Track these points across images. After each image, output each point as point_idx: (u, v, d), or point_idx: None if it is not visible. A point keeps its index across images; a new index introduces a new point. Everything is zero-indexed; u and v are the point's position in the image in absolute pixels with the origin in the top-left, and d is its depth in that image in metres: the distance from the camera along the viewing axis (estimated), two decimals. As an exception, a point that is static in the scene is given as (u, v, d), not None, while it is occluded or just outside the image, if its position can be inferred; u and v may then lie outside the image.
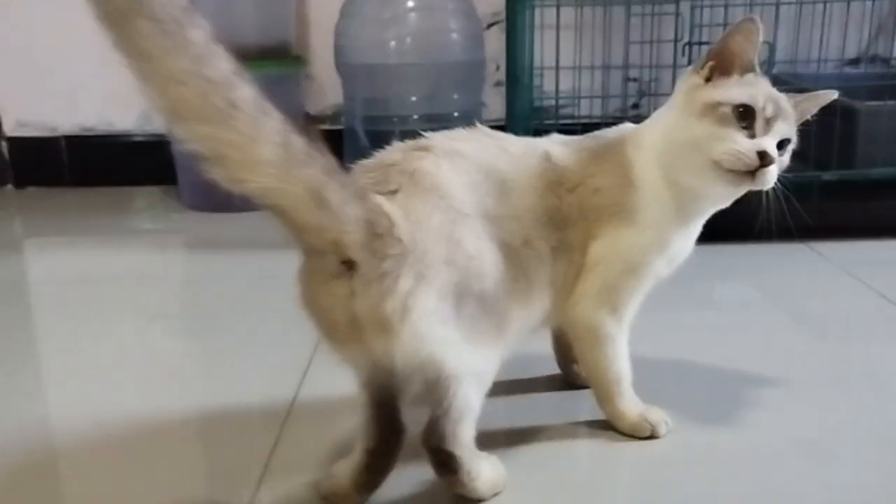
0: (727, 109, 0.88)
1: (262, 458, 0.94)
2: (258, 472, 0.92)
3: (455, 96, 2.09)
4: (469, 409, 0.80)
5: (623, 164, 0.94)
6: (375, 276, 0.72)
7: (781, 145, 0.90)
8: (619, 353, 0.96)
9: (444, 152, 0.85)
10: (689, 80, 0.93)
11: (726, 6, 1.75)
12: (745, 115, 0.89)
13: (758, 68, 0.92)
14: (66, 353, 1.27)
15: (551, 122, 1.88)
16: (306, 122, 2.29)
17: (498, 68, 2.21)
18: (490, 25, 2.18)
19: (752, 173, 0.87)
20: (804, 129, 0.95)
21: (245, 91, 0.65)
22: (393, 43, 2.01)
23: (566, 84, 2.02)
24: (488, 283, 0.80)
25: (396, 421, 0.84)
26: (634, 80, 2.20)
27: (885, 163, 1.69)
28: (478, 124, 0.95)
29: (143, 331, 1.36)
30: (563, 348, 1.11)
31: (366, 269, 0.72)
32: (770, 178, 0.88)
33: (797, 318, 1.38)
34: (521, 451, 0.96)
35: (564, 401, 1.09)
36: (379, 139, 0.94)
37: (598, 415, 1.01)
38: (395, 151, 0.86)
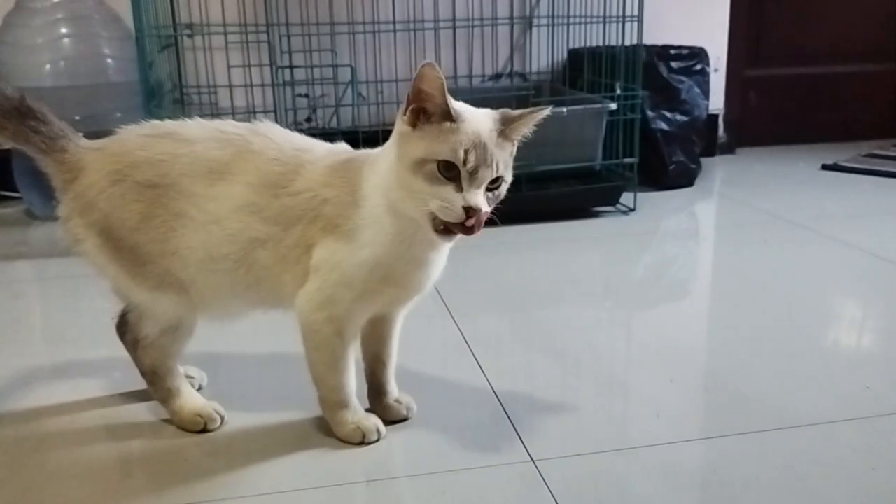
0: (433, 167, 0.91)
1: None
2: None
3: (118, 114, 2.24)
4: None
5: (355, 182, 0.99)
6: None
7: (495, 182, 0.94)
8: (339, 363, 1.03)
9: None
10: (399, 126, 0.96)
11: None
12: (450, 169, 0.91)
13: (455, 112, 0.92)
14: None
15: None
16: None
17: (174, 87, 2.39)
18: (164, 48, 2.34)
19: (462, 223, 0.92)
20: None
21: None
22: (48, 66, 2.15)
23: (242, 101, 2.30)
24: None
25: None
26: (305, 95, 2.45)
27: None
28: (268, 124, 1.07)
29: None
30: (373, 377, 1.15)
31: None
32: (479, 224, 0.92)
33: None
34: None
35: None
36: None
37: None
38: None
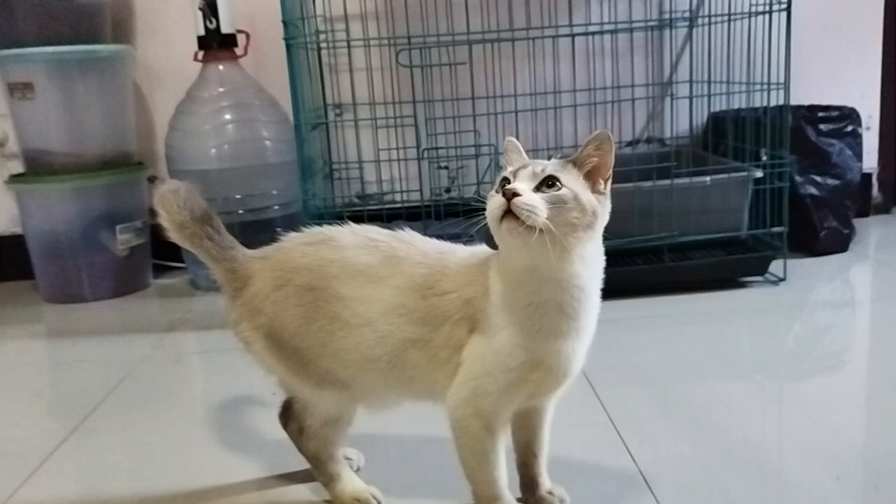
0: (497, 188, 0.98)
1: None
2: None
3: (274, 192, 2.42)
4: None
5: (485, 275, 1.03)
6: None
7: (550, 184, 0.94)
8: (489, 458, 1.04)
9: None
10: None
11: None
12: (504, 183, 0.97)
13: (525, 157, 1.04)
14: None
15: (376, 207, 2.26)
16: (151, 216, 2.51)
17: (325, 164, 2.53)
18: (314, 127, 2.46)
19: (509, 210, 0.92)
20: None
21: None
22: (213, 151, 2.35)
23: (386, 174, 2.42)
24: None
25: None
26: (445, 167, 2.50)
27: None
28: (410, 232, 1.12)
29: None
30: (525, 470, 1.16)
31: None
32: (522, 205, 0.91)
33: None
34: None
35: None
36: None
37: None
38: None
